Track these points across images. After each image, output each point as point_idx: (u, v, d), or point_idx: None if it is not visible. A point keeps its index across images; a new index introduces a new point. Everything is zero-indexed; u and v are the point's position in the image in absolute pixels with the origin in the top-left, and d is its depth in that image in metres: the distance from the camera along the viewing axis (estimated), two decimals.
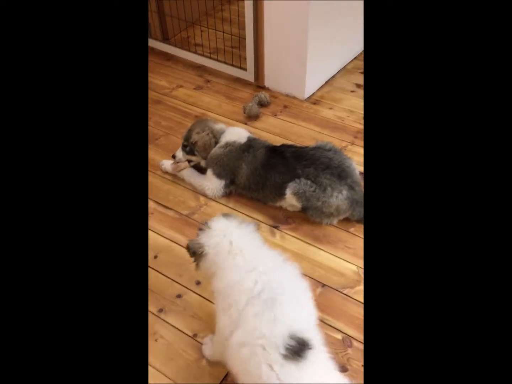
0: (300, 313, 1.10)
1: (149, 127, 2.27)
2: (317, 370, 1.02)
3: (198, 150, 1.87)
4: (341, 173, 1.70)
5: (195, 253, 1.22)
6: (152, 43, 2.82)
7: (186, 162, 1.97)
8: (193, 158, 1.93)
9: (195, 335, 1.43)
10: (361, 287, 1.55)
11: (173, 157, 1.95)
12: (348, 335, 1.42)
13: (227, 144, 1.84)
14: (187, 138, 1.89)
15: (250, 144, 1.83)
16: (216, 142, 1.87)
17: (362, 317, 1.47)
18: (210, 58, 2.65)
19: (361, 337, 1.42)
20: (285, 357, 1.00)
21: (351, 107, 2.37)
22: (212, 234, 1.22)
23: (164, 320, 1.47)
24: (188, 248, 1.24)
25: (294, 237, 1.72)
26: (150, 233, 1.74)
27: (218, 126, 1.92)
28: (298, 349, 1.00)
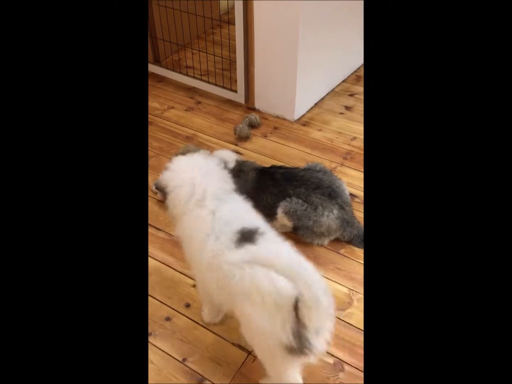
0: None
1: None
2: (269, 242, 1.15)
3: None
4: (331, 193, 1.71)
5: (163, 191, 1.26)
6: None
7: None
8: None
9: (184, 359, 1.41)
10: (352, 310, 1.54)
11: (156, 188, 1.94)
12: (339, 359, 1.41)
13: None
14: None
15: (240, 168, 1.84)
16: None
17: (353, 340, 1.45)
18: (201, 80, 2.68)
19: (352, 361, 1.40)
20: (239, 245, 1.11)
21: (340, 128, 2.40)
22: (174, 174, 1.26)
23: (153, 344, 1.44)
24: (157, 188, 1.27)
25: None
26: None
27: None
28: (249, 236, 1.12)
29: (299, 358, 1.07)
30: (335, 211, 1.69)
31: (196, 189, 1.23)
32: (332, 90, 2.70)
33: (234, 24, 2.32)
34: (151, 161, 2.20)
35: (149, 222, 1.87)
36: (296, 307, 1.01)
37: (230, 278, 1.10)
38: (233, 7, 2.38)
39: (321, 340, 1.06)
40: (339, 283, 1.63)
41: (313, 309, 0.99)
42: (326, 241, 1.75)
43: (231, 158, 1.90)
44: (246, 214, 1.26)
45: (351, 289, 1.61)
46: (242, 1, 2.18)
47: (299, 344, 1.03)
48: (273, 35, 2.22)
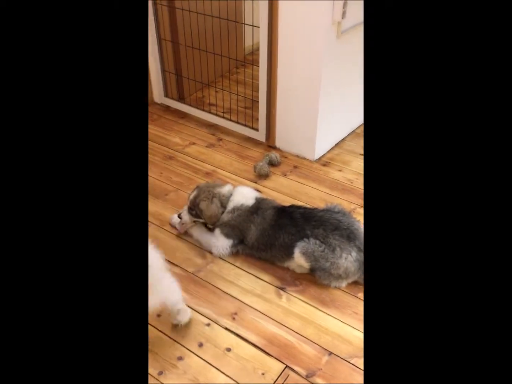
0: None
1: (160, 182, 2.30)
2: None
3: (204, 218, 1.87)
4: (350, 235, 1.69)
5: None
6: (168, 102, 2.93)
7: (192, 222, 1.96)
8: (200, 220, 1.92)
9: None
10: None
11: (179, 217, 1.95)
12: None
13: (234, 209, 1.84)
14: (193, 203, 1.89)
15: (259, 206, 1.84)
16: (224, 207, 1.87)
17: None
18: (223, 117, 2.74)
19: None
20: None
21: (360, 170, 2.40)
22: None
23: None
24: None
25: (300, 300, 1.68)
26: None
27: (225, 189, 1.90)
28: None
29: None
30: (354, 253, 1.67)
31: None
32: (353, 131, 2.72)
33: (257, 65, 2.38)
34: (170, 195, 2.22)
35: (166, 257, 1.86)
36: None
37: None
38: (257, 49, 2.45)
39: None
40: (356, 328, 1.57)
41: None
42: (343, 284, 1.71)
43: (250, 194, 1.91)
44: None
45: None
46: (267, 43, 2.25)
47: None
48: (296, 76, 2.27)
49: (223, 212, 1.86)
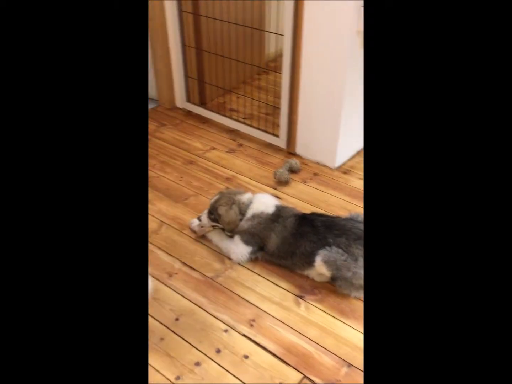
0: None
1: (180, 186, 2.31)
2: None
3: (222, 223, 1.87)
4: None
5: None
6: (189, 107, 2.95)
7: (211, 227, 1.97)
8: (218, 225, 1.92)
9: None
10: None
11: (199, 219, 1.96)
12: None
13: (254, 216, 1.83)
14: (213, 207, 1.89)
15: (279, 214, 1.82)
16: (243, 214, 1.86)
17: None
18: (244, 123, 2.74)
19: None
20: None
21: None
22: None
23: None
24: None
25: (319, 309, 1.66)
26: (173, 294, 1.71)
27: (245, 197, 1.90)
28: None
29: None
30: None
31: None
32: None
33: (279, 72, 2.38)
34: (190, 200, 2.23)
35: (185, 261, 1.87)
36: None
37: None
38: (279, 55, 2.46)
39: None
40: None
41: None
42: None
43: (271, 202, 1.90)
44: None
45: None
46: (291, 51, 2.25)
47: None
48: (319, 83, 2.26)
49: (241, 220, 1.86)
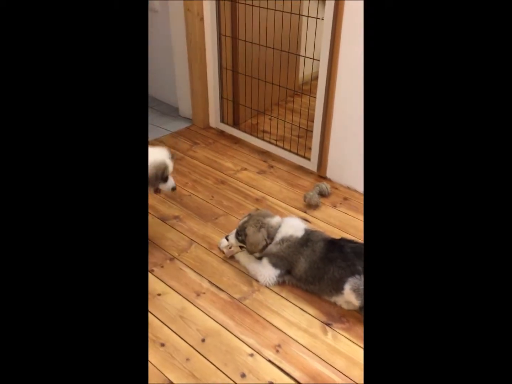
0: None
1: (210, 206, 2.34)
2: None
3: (247, 244, 1.88)
4: None
5: None
6: (222, 127, 3.01)
7: (238, 247, 1.97)
8: (244, 246, 1.93)
9: None
10: None
11: (226, 239, 1.97)
12: None
13: (283, 240, 1.83)
14: (241, 228, 1.90)
15: (308, 238, 1.82)
16: (272, 238, 1.85)
17: None
18: (276, 145, 2.77)
19: None
20: None
21: None
22: None
23: None
24: None
25: (347, 338, 1.63)
26: (200, 313, 1.72)
27: (274, 220, 1.89)
28: None
29: None
30: None
31: None
32: None
33: (312, 96, 2.40)
34: (220, 220, 2.25)
35: (213, 281, 1.88)
36: None
37: None
38: (312, 79, 2.48)
39: None
40: None
41: None
42: None
43: (299, 226, 1.90)
44: None
45: None
46: (326, 76, 2.27)
47: None
48: (352, 109, 2.27)
49: (268, 244, 1.86)
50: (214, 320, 1.69)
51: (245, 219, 1.93)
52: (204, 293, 1.82)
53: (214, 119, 3.03)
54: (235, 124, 3.04)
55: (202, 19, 2.70)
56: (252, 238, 1.84)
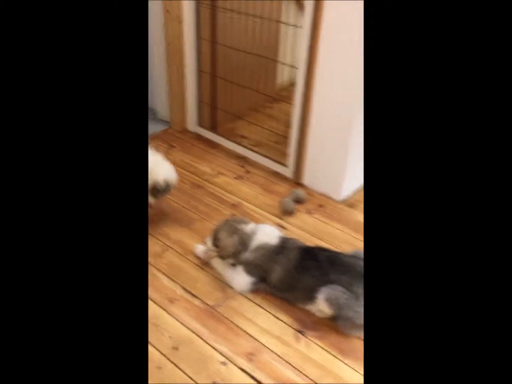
0: None
1: (186, 210, 2.33)
2: None
3: (219, 247, 1.88)
4: None
5: None
6: (200, 131, 2.99)
7: (216, 252, 1.97)
8: (217, 250, 1.93)
9: None
10: None
11: (204, 244, 1.97)
12: None
13: (258, 248, 1.83)
14: (215, 231, 1.91)
15: (283, 245, 1.83)
16: (245, 245, 1.85)
17: None
18: (253, 150, 2.77)
19: None
20: None
21: None
22: None
23: None
24: None
25: (319, 346, 1.65)
26: (173, 321, 1.70)
27: (248, 227, 1.90)
28: None
29: None
30: None
31: None
32: None
33: (289, 102, 2.42)
34: (196, 224, 2.23)
35: (186, 287, 1.86)
36: None
37: None
38: (290, 85, 2.50)
39: None
40: None
41: None
42: None
43: (274, 234, 1.91)
44: None
45: None
46: (303, 83, 2.29)
47: None
48: (329, 116, 2.29)
49: (241, 250, 1.85)
50: (187, 328, 1.68)
51: (220, 224, 1.93)
52: (177, 300, 1.80)
53: (191, 123, 3.01)
54: (213, 128, 3.03)
55: (181, 21, 2.68)
56: (224, 242, 1.84)
